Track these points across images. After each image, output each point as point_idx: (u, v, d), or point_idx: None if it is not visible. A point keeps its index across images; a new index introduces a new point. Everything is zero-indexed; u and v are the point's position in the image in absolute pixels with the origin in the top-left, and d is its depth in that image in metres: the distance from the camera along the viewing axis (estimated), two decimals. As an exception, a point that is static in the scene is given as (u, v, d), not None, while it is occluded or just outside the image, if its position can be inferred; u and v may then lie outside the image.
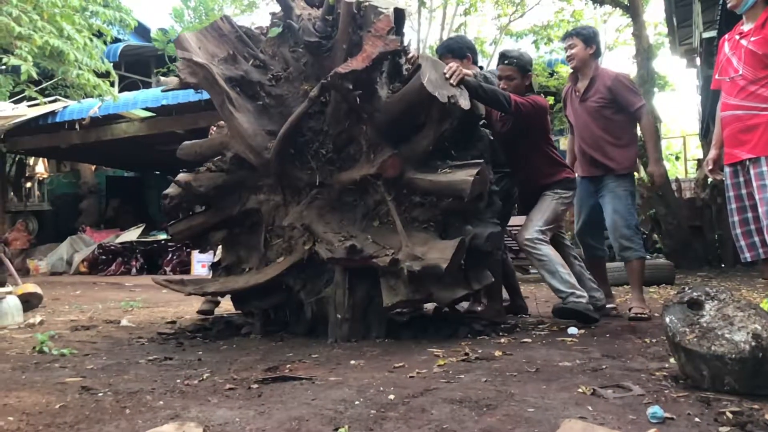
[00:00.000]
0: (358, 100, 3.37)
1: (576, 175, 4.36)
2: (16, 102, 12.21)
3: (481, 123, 3.84)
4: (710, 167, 3.71)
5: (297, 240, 3.65)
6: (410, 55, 3.82)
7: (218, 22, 3.94)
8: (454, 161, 3.53)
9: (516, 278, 4.63)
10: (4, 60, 7.37)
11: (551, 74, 11.08)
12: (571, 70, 4.43)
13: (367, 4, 3.45)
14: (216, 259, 4.47)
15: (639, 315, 4.06)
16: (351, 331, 3.49)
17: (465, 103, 3.37)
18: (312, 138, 3.64)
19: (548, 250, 3.86)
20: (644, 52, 8.66)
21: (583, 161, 4.36)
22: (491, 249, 3.59)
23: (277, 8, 3.85)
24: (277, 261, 3.71)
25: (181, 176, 3.99)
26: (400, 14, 3.52)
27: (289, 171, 3.68)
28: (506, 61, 4.05)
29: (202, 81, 3.61)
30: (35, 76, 7.60)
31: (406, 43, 3.76)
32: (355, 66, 3.26)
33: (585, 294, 3.82)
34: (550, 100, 10.80)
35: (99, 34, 9.24)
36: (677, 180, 9.75)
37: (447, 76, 3.41)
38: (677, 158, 17.35)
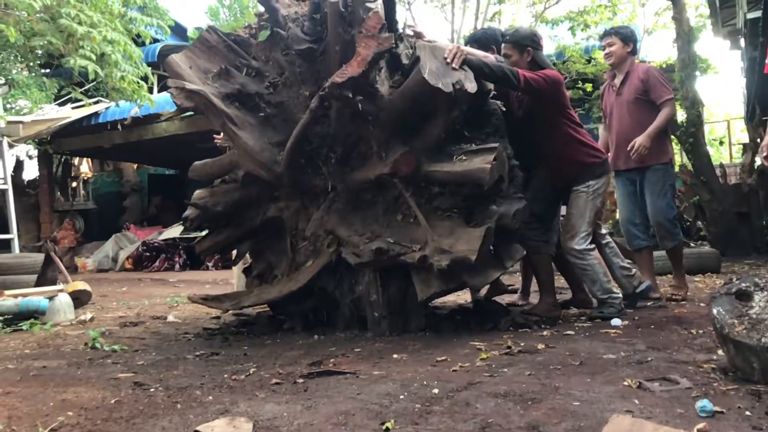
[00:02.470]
0: (360, 106, 3.26)
1: (607, 155, 4.32)
2: (60, 104, 12.55)
3: (491, 95, 3.65)
4: (765, 153, 3.61)
5: (323, 242, 3.63)
6: (417, 31, 3.69)
7: (205, 35, 3.84)
8: (469, 143, 3.42)
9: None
10: (71, 62, 7.55)
11: (588, 60, 10.87)
12: (609, 67, 4.72)
13: None
14: (247, 264, 4.51)
15: (673, 297, 4.41)
16: (390, 327, 3.51)
17: (471, 85, 3.22)
18: (320, 143, 3.57)
19: (594, 261, 3.86)
20: (685, 36, 8.41)
21: (621, 154, 4.50)
22: (519, 226, 3.48)
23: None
24: (307, 266, 3.69)
25: (198, 194, 3.98)
26: (388, 2, 3.39)
27: (303, 180, 3.63)
28: (503, 40, 3.94)
29: (199, 105, 3.54)
30: (101, 74, 7.79)
31: (401, 29, 3.59)
32: (351, 73, 3.14)
33: (619, 295, 3.91)
34: (588, 86, 10.61)
35: (137, 36, 9.43)
36: (722, 165, 9.44)
37: (448, 60, 3.26)
38: (721, 143, 16.83)
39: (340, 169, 3.58)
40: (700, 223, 8.87)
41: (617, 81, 4.61)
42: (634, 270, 4.17)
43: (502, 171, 3.33)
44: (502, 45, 3.92)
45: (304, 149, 3.56)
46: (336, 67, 3.30)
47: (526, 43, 3.83)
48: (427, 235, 3.28)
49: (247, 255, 4.43)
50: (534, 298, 4.53)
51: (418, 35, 3.70)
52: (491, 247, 3.42)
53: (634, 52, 4.61)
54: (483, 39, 4.29)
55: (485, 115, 3.61)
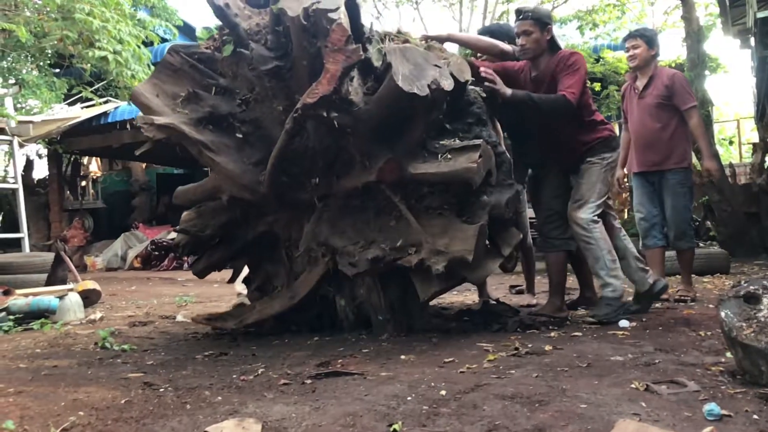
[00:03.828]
0: (335, 122, 3.17)
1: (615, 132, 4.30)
2: (70, 104, 12.63)
3: (471, 82, 3.54)
4: None
5: (317, 251, 3.57)
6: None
7: (168, 58, 3.69)
8: (452, 136, 3.38)
9: (588, 268, 4.23)
10: (89, 55, 7.62)
11: (597, 60, 10.86)
12: (631, 69, 4.77)
13: (314, 8, 3.08)
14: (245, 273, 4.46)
15: (682, 297, 4.46)
16: (395, 329, 3.50)
17: (447, 83, 3.16)
18: (301, 158, 3.48)
19: (599, 235, 3.73)
20: (694, 35, 8.37)
21: (640, 156, 4.68)
22: (513, 214, 3.46)
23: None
24: (305, 277, 3.63)
25: (185, 217, 3.93)
26: (352, 6, 3.24)
27: (289, 196, 3.57)
28: (521, 16, 3.80)
29: (173, 137, 3.45)
30: (122, 61, 7.85)
31: (367, 30, 3.41)
32: (322, 92, 3.02)
33: (620, 286, 3.74)
34: (597, 86, 10.58)
35: (145, 38, 9.50)
36: (731, 165, 9.38)
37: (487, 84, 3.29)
38: (731, 143, 16.73)
39: (325, 181, 3.51)
40: (709, 223, 8.83)
41: (639, 84, 4.65)
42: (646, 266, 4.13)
43: (489, 165, 3.31)
44: (520, 23, 3.79)
45: (285, 168, 3.47)
46: (306, 81, 3.19)
47: (546, 20, 3.78)
48: (421, 237, 3.26)
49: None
50: (540, 297, 4.54)
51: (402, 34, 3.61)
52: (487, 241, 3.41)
53: (657, 55, 4.67)
54: (498, 32, 4.30)
55: (465, 105, 3.57)
